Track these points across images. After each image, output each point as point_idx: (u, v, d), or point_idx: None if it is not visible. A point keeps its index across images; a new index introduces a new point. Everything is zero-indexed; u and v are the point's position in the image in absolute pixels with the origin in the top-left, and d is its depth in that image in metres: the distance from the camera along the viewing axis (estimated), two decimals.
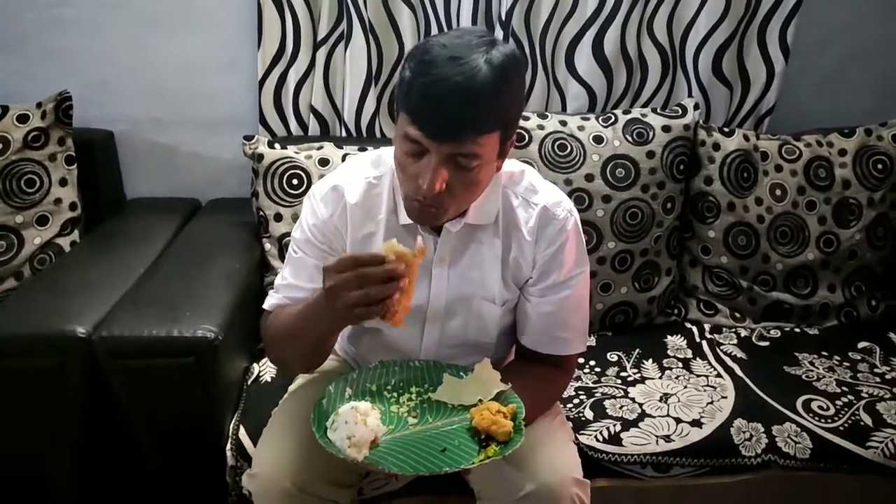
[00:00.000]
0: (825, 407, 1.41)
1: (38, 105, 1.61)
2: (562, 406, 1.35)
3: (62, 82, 1.66)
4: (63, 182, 1.62)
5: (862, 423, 1.36)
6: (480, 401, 1.04)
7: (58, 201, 1.62)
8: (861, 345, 1.65)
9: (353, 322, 0.94)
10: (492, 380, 1.06)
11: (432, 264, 1.11)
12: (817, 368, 1.55)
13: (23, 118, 1.59)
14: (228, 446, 1.27)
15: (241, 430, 1.28)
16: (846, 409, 1.40)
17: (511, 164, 1.15)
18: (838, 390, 1.46)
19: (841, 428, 1.35)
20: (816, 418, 1.38)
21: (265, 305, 1.15)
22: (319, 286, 1.02)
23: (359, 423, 0.95)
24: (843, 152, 1.77)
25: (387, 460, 0.95)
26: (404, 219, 1.09)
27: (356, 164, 1.15)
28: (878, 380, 1.51)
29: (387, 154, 1.12)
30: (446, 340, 1.17)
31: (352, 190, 1.11)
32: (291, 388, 1.27)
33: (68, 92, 1.63)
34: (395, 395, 1.09)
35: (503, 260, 1.13)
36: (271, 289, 1.17)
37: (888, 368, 1.55)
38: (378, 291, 0.88)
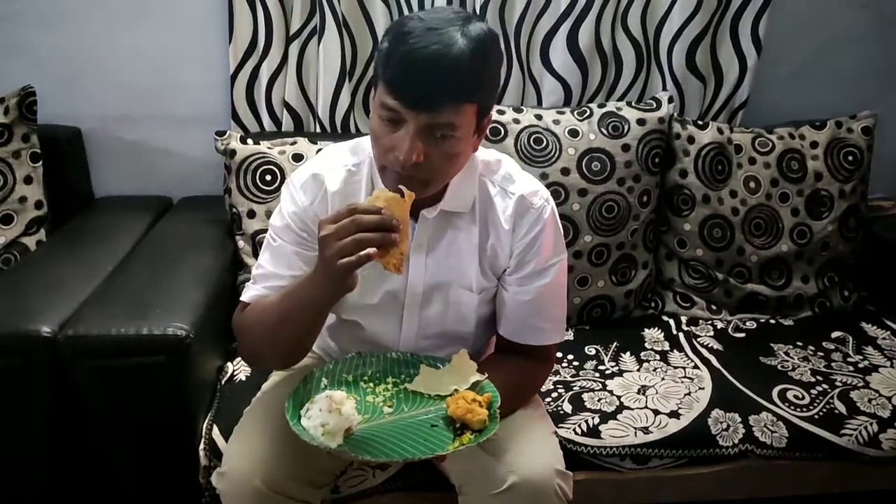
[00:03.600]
0: (800, 396, 1.42)
1: (1, 100, 1.57)
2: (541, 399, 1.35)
3: (26, 77, 1.62)
4: (28, 180, 1.58)
5: (836, 412, 1.38)
6: (456, 390, 1.03)
7: (23, 199, 1.57)
8: (834, 334, 1.66)
9: (344, 276, 0.92)
10: (468, 370, 1.05)
11: (409, 251, 1.10)
12: (792, 358, 1.56)
13: None
14: (202, 446, 1.24)
15: (215, 430, 1.25)
16: (821, 398, 1.41)
17: (487, 154, 1.15)
18: (813, 380, 1.47)
19: (816, 416, 1.36)
20: (792, 407, 1.38)
21: (243, 297, 1.11)
22: (299, 273, 1.04)
23: (333, 412, 0.94)
24: (814, 145, 1.79)
25: (360, 448, 0.94)
26: None
27: (335, 151, 1.15)
28: (851, 369, 1.52)
29: (365, 142, 1.12)
30: (424, 330, 1.16)
31: (332, 177, 1.10)
32: (265, 386, 1.25)
33: (32, 87, 1.59)
34: (371, 385, 1.08)
35: (480, 248, 1.12)
36: (248, 282, 1.14)
37: (861, 357, 1.57)
38: (370, 239, 0.89)
